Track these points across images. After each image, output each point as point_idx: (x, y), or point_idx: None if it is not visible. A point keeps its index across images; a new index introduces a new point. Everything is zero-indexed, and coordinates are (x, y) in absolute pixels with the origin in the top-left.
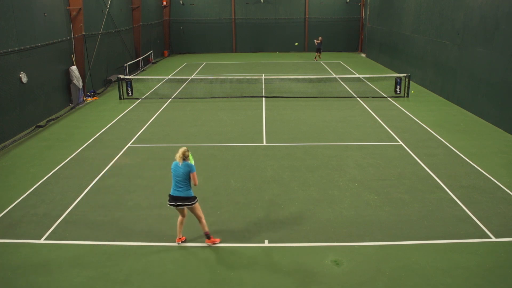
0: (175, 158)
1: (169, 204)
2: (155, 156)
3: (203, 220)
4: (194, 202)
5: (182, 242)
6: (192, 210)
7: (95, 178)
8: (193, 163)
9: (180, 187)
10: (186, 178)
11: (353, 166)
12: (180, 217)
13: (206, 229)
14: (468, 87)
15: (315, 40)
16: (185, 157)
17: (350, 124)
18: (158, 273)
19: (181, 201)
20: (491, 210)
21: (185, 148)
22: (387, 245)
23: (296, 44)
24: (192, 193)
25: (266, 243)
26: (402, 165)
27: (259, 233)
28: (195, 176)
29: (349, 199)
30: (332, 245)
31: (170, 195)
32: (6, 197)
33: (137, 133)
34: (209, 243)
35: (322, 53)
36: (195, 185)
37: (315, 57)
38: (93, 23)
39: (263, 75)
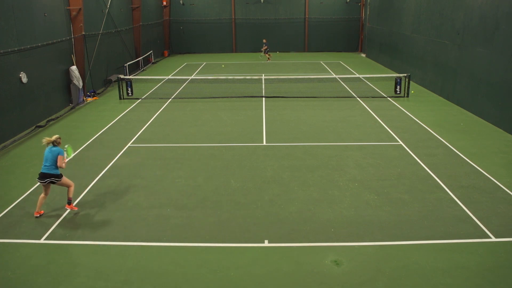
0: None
1: (44, 181)
2: (155, 156)
3: (72, 189)
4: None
5: (40, 216)
6: (61, 184)
7: (95, 178)
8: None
9: (52, 166)
10: (55, 159)
11: (353, 166)
12: (43, 194)
13: (70, 196)
14: (468, 87)
15: (262, 49)
16: (57, 143)
17: (350, 124)
18: (158, 273)
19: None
20: (491, 210)
21: (57, 135)
22: (387, 245)
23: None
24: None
25: (266, 243)
26: (402, 165)
27: (259, 233)
28: (61, 158)
29: (349, 199)
30: (332, 245)
31: (40, 173)
32: (6, 197)
33: (137, 133)
34: (68, 208)
35: (325, 53)
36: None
37: (268, 58)
38: (93, 23)
39: (263, 75)
